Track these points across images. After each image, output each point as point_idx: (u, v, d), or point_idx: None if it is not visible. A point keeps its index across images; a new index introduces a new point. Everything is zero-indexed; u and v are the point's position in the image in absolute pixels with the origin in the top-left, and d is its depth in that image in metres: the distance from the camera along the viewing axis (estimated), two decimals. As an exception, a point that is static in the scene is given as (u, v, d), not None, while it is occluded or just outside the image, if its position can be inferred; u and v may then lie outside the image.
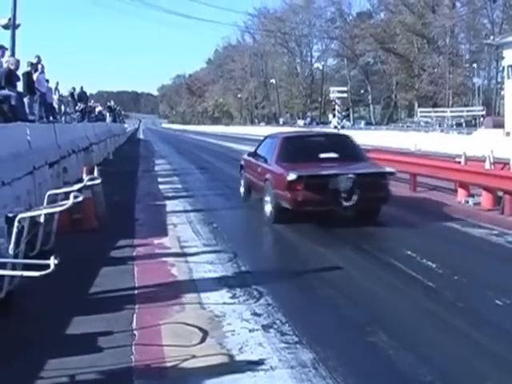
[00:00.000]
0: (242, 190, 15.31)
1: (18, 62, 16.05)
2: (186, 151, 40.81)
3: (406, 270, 8.17)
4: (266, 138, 14.93)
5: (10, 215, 6.94)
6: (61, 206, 7.13)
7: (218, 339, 5.73)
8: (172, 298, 7.07)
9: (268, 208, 12.02)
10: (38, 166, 12.42)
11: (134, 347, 5.55)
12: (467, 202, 13.72)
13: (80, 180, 10.20)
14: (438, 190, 16.06)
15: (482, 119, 51.35)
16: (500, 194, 12.90)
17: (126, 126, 76.88)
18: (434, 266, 8.36)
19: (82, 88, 31.74)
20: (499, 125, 34.13)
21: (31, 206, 9.11)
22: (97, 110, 41.42)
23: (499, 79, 78.28)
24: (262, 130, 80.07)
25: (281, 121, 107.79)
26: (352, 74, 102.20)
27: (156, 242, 10.34)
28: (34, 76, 18.56)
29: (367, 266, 8.61)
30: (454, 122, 58.06)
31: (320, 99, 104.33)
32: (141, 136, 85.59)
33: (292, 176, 10.81)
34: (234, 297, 7.12)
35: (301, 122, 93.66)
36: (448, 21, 76.46)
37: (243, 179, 15.15)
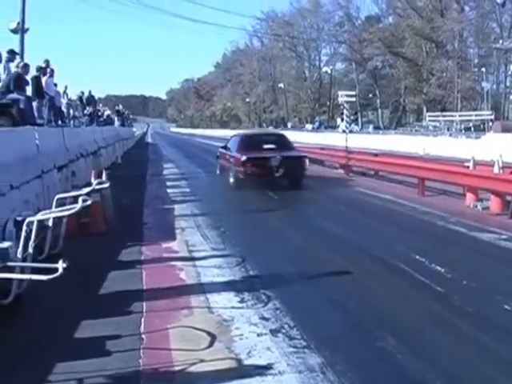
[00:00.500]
0: (218, 171, 22.66)
1: (26, 66, 16.10)
2: (194, 155, 40.78)
3: (415, 274, 8.14)
4: (232, 137, 22.16)
5: (19, 219, 6.98)
6: (69, 209, 7.15)
7: (226, 343, 5.73)
8: (180, 302, 7.08)
9: (231, 179, 18.62)
10: (47, 170, 12.45)
11: (142, 351, 5.55)
12: (476, 206, 13.68)
13: (88, 184, 10.21)
14: (446, 195, 16.03)
15: (490, 123, 51.14)
16: (509, 198, 12.87)
17: (134, 129, 76.97)
18: (442, 270, 8.33)
19: (90, 92, 31.86)
20: (508, 129, 33.99)
21: (40, 209, 9.12)
22: (105, 113, 41.48)
23: (508, 83, 78.29)
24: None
25: (289, 125, 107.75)
26: (360, 78, 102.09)
27: (164, 245, 10.34)
28: (43, 80, 18.61)
29: (376, 270, 8.59)
30: (462, 127, 57.91)
31: (328, 103, 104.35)
32: (149, 140, 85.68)
33: (244, 157, 17.48)
34: (242, 301, 7.12)
35: (309, 126, 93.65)
36: (457, 25, 76.33)
37: (218, 164, 22.72)
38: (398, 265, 8.70)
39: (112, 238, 10.64)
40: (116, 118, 46.91)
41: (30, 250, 6.72)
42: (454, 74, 78.63)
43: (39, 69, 18.28)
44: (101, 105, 41.86)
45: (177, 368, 5.20)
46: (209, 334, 5.97)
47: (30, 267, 6.19)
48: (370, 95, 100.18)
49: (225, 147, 21.30)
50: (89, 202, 7.12)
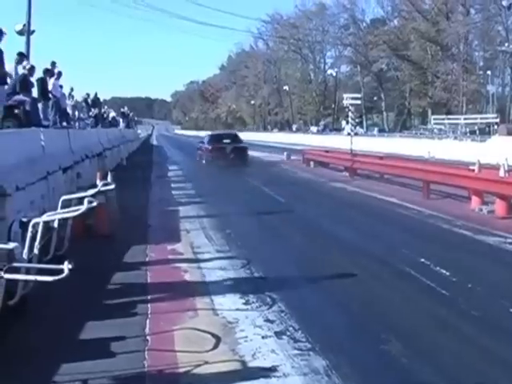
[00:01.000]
0: (197, 158, 33.15)
1: (32, 68, 16.14)
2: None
3: (420, 277, 8.13)
4: (205, 135, 35.89)
5: (24, 220, 6.99)
6: (75, 211, 7.15)
7: (231, 345, 5.73)
8: (185, 303, 7.10)
9: (203, 161, 30.35)
10: (52, 171, 12.46)
11: (146, 353, 5.56)
12: (481, 209, 13.66)
13: (94, 185, 10.22)
14: (451, 198, 16.01)
15: (495, 126, 50.90)
16: (514, 201, 12.86)
17: (139, 131, 77.12)
18: (447, 273, 8.32)
19: (96, 94, 31.94)
20: (513, 132, 33.90)
21: (45, 210, 9.14)
22: (110, 115, 41.57)
23: (513, 86, 78.00)
24: (274, 137, 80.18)
25: (294, 127, 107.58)
26: (365, 80, 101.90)
27: (169, 247, 10.37)
28: (50, 82, 18.65)
29: (381, 273, 8.59)
30: (467, 130, 57.68)
31: (333, 106, 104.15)
32: (154, 142, 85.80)
33: (209, 147, 29.79)
34: (246, 303, 7.13)
35: (314, 129, 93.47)
36: (462, 28, 76.14)
37: (197, 153, 33.46)
38: (403, 268, 8.70)
39: (117, 240, 10.69)
40: (121, 120, 46.99)
41: (36, 251, 6.72)
42: (459, 77, 78.37)
43: (46, 71, 18.29)
44: (106, 107, 41.90)
45: (181, 370, 5.20)
46: (213, 335, 5.98)
47: (36, 268, 6.19)
48: (375, 98, 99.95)
49: (201, 142, 33.59)
50: (94, 204, 7.13)
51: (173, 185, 21.36)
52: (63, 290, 6.32)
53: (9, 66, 14.44)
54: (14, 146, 10.34)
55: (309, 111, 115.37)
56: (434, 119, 70.72)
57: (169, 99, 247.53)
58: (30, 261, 6.50)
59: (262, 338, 5.94)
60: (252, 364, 5.32)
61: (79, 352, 5.60)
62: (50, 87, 18.63)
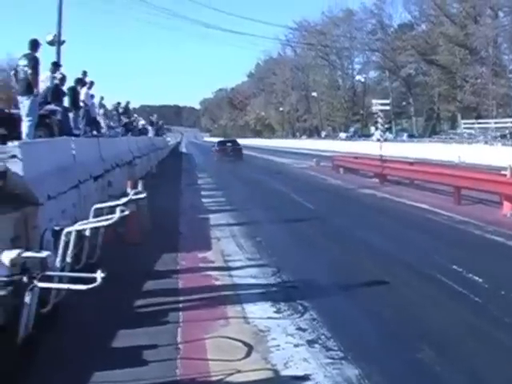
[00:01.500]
0: (211, 155, 49.26)
1: (63, 77, 16.31)
2: (226, 164, 40.91)
3: (452, 284, 8.04)
4: (216, 141, 55.77)
5: (57, 228, 7.05)
6: (107, 220, 7.20)
7: (263, 354, 5.71)
8: (216, 312, 7.09)
9: (215, 158, 46.13)
10: (83, 180, 12.54)
11: (178, 361, 5.56)
12: (513, 215, 13.49)
13: (124, 193, 10.28)
14: (482, 203, 15.80)
15: (527, 130, 50.37)
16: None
17: (168, 139, 77.55)
18: (480, 280, 8.21)
19: (127, 103, 32.19)
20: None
21: (76, 219, 9.20)
22: (140, 123, 41.85)
23: (544, 89, 76.96)
24: (303, 144, 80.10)
25: (323, 134, 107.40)
26: (394, 85, 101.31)
27: (200, 255, 10.39)
28: (82, 91, 18.83)
29: (413, 280, 8.51)
30: (498, 134, 57.06)
31: (362, 112, 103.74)
32: (183, 149, 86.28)
33: (217, 148, 47.83)
34: (278, 311, 7.10)
35: (343, 135, 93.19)
36: (490, 31, 75.35)
37: (211, 153, 50.56)
38: (435, 275, 8.60)
39: (148, 248, 10.71)
40: (150, 128, 47.26)
41: (68, 259, 6.78)
42: (488, 81, 77.49)
43: (77, 80, 18.47)
44: (135, 115, 42.19)
45: (214, 378, 5.19)
46: (245, 344, 5.96)
47: (68, 277, 6.23)
48: (404, 103, 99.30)
49: (213, 146, 52.37)
50: (126, 213, 7.17)
51: (203, 192, 21.43)
52: (95, 298, 6.32)
53: (43, 75, 14.59)
54: (45, 155, 10.40)
55: (337, 117, 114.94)
56: (464, 123, 70.11)
57: (197, 107, 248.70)
58: (62, 269, 6.55)
59: (294, 346, 5.91)
60: (284, 373, 5.29)
61: (111, 360, 5.61)
62: (82, 97, 18.80)
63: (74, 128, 16.86)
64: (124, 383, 5.09)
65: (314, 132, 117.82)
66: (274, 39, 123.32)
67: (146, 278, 8.68)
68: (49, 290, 6.04)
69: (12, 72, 14.13)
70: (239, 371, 5.27)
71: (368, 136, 77.13)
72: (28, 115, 12.45)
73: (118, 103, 30.20)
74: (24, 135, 12.25)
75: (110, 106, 28.09)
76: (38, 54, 12.72)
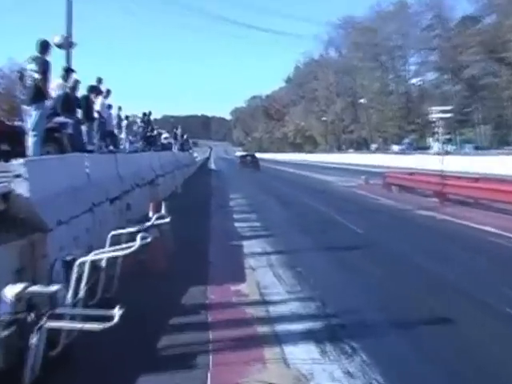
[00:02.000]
0: (237, 167, 71.44)
1: (77, 82, 16.35)
2: (262, 183, 41.00)
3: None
4: (238, 155, 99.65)
5: (68, 259, 7.09)
6: (126, 248, 7.21)
7: (306, 402, 5.68)
8: (252, 353, 7.07)
9: (238, 167, 69.16)
10: (98, 202, 12.62)
11: (209, 413, 5.55)
12: None
13: (145, 217, 10.33)
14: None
15: None
16: None
17: (195, 155, 78.22)
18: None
19: (149, 114, 32.48)
20: None
21: (91, 247, 9.27)
22: (162, 137, 42.12)
23: None
24: (349, 158, 79.81)
25: (373, 147, 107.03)
26: (455, 89, 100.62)
27: (232, 288, 10.37)
28: (97, 101, 18.95)
29: (479, 316, 8.40)
30: None
31: (418, 121, 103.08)
32: (212, 166, 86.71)
33: (239, 160, 75.12)
34: (323, 353, 7.05)
35: (396, 148, 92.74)
36: None
37: (238, 162, 75.92)
38: (504, 309, 8.48)
39: (173, 279, 10.73)
40: (174, 142, 47.59)
41: (82, 294, 6.80)
42: None
43: (90, 88, 18.50)
44: (158, 127, 42.46)
45: None
46: (286, 391, 5.93)
47: (82, 314, 6.25)
48: (468, 109, 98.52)
49: (238, 157, 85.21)
50: (148, 240, 7.19)
51: (235, 215, 21.44)
52: (113, 337, 6.35)
53: (53, 82, 14.70)
54: (55, 173, 10.47)
55: (389, 127, 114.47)
56: (540, 133, 69.26)
57: (228, 117, 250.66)
58: (74, 305, 6.58)
59: (342, 393, 5.87)
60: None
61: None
62: (97, 107, 18.90)
63: (87, 143, 16.98)
64: None
65: (362, 145, 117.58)
66: (315, 39, 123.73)
67: (171, 313, 8.69)
68: (59, 329, 6.07)
69: (17, 74, 14.15)
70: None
71: (425, 148, 76.71)
72: (34, 129, 12.55)
73: (144, 114, 30.49)
74: (30, 151, 12.34)
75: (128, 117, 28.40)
76: (48, 58, 12.78)
